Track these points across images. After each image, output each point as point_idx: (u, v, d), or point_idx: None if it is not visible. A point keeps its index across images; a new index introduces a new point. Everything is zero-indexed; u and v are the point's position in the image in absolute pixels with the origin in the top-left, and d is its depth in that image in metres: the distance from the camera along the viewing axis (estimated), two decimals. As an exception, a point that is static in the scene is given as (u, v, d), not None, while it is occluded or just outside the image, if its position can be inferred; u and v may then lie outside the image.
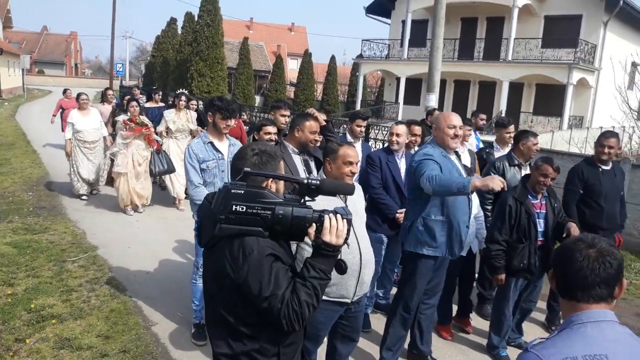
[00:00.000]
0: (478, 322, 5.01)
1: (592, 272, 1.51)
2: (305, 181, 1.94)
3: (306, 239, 1.98)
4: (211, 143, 4.25)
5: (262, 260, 1.88)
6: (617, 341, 1.47)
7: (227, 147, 4.33)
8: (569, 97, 21.90)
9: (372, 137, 11.02)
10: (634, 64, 18.64)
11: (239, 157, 2.13)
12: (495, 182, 3.31)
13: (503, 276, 4.18)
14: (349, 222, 1.95)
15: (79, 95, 8.88)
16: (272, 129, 4.63)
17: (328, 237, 1.90)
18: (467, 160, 5.50)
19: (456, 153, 5.51)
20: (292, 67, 49.89)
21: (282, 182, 2.10)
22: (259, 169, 2.03)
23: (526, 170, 4.83)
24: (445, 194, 3.55)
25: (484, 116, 7.00)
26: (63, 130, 12.37)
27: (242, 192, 1.85)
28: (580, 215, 4.85)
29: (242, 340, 1.99)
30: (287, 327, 1.89)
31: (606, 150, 4.76)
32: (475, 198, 4.60)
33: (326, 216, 1.91)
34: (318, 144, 4.26)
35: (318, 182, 1.95)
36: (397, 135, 4.67)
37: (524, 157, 4.85)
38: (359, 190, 3.42)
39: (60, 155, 12.49)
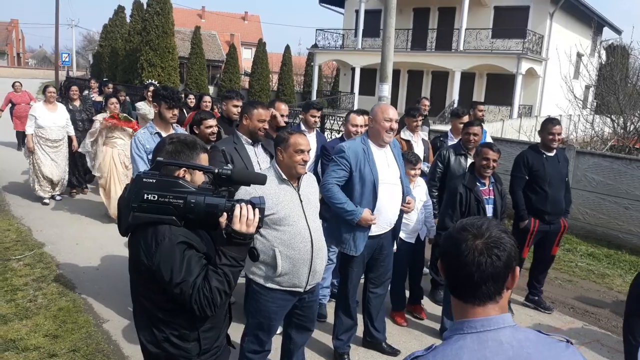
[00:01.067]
0: (432, 307, 5.11)
1: (477, 268, 1.27)
2: (216, 171, 1.98)
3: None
4: (158, 133, 4.17)
5: (174, 247, 1.93)
6: (499, 354, 1.23)
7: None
8: (518, 87, 22.52)
9: (328, 127, 11.02)
10: (578, 55, 19.32)
11: (157, 147, 2.17)
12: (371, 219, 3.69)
13: None
14: (262, 211, 2.00)
15: (45, 87, 8.22)
16: (212, 121, 4.60)
17: (238, 225, 1.94)
18: (420, 149, 5.60)
19: (408, 142, 5.63)
20: (246, 57, 49.33)
21: (198, 172, 2.11)
22: (172, 157, 2.05)
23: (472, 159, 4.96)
24: (335, 210, 3.74)
25: (482, 107, 7.02)
26: (15, 127, 11.92)
27: (154, 180, 1.89)
28: (526, 200, 5.01)
29: (160, 327, 2.05)
30: (198, 312, 1.95)
31: (551, 137, 4.93)
32: (422, 185, 4.71)
33: (237, 205, 1.94)
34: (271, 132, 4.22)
35: (229, 172, 1.99)
36: (357, 126, 4.66)
37: (467, 145, 4.99)
38: (312, 180, 3.42)
39: (2, 150, 12.00)
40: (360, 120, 4.66)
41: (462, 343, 1.27)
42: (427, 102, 7.42)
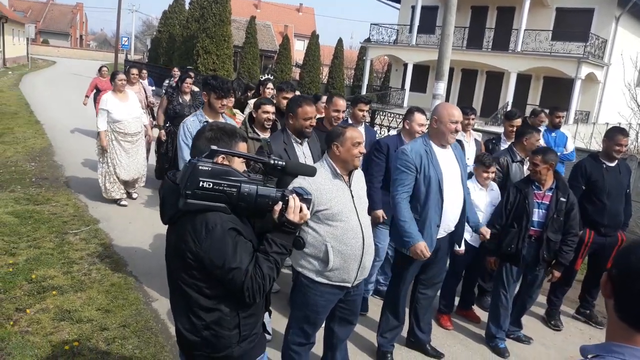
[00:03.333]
0: (478, 313, 5.02)
1: None
2: (272, 161, 2.02)
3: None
4: (207, 122, 4.23)
5: (225, 234, 1.95)
6: None
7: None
8: (576, 92, 21.77)
9: (378, 122, 10.95)
10: (643, 61, 18.46)
11: (198, 133, 2.19)
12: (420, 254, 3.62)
13: (493, 259, 4.40)
14: (308, 202, 2.08)
15: (114, 74, 7.18)
16: (270, 107, 4.61)
17: (292, 215, 2.01)
18: (472, 150, 5.49)
19: (460, 142, 5.52)
20: (298, 48, 49.59)
21: (237, 161, 2.12)
22: (211, 144, 2.05)
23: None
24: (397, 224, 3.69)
25: (561, 114, 6.74)
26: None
27: (209, 168, 1.90)
28: (582, 211, 4.82)
29: (201, 315, 2.05)
30: (249, 299, 2.00)
31: (617, 147, 4.74)
32: (496, 189, 4.63)
33: (291, 196, 2.01)
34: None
35: (283, 163, 2.04)
36: (423, 125, 4.58)
37: (526, 152, 4.82)
38: (361, 175, 3.42)
39: (62, 127, 12.50)
40: (424, 119, 4.61)
41: None
42: (562, 114, 6.75)
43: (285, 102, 5.19)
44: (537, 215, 4.22)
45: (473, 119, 5.73)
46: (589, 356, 1.22)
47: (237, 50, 29.95)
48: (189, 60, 22.89)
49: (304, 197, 2.07)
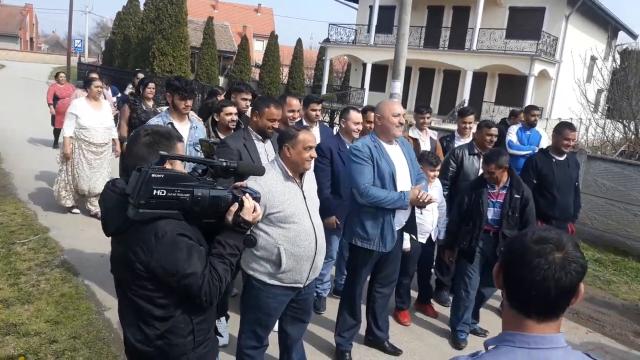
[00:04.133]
0: (436, 307, 5.07)
1: (556, 284, 1.20)
2: (225, 163, 2.02)
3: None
4: (171, 124, 4.14)
5: (176, 240, 1.91)
6: None
7: (188, 129, 4.22)
8: (530, 88, 22.35)
9: (337, 122, 10.96)
10: (592, 58, 19.11)
11: (132, 139, 2.12)
12: (425, 197, 3.62)
13: (448, 252, 4.54)
14: (258, 200, 2.11)
15: (90, 80, 6.81)
16: (232, 109, 4.56)
17: (248, 216, 2.03)
18: (427, 148, 5.56)
19: (416, 141, 5.58)
20: (257, 49, 49.31)
21: (178, 163, 2.09)
22: (150, 149, 2.01)
23: None
24: (380, 207, 3.65)
25: (536, 112, 6.87)
26: (54, 123, 10.47)
27: (162, 175, 1.85)
28: (534, 205, 4.95)
29: (154, 324, 2.00)
30: (206, 303, 1.97)
31: (566, 142, 4.86)
32: (439, 185, 4.65)
33: (244, 196, 2.04)
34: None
35: (236, 165, 2.05)
36: (358, 123, 4.63)
37: (482, 146, 4.90)
38: (312, 176, 3.40)
39: (11, 133, 12.04)
40: (360, 117, 4.66)
41: (512, 356, 1.22)
42: (537, 112, 6.92)
43: (243, 103, 5.13)
44: (492, 213, 4.28)
45: (428, 118, 5.79)
46: (489, 348, 1.28)
47: (195, 51, 29.55)
48: (144, 62, 22.44)
49: (255, 196, 2.08)
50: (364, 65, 26.96)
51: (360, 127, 4.61)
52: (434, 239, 4.78)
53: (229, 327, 4.11)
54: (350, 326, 3.98)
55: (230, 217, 2.02)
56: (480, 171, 4.91)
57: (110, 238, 2.07)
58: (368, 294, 4.14)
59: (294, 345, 3.54)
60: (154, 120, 4.23)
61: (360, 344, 4.22)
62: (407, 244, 4.24)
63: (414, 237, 4.19)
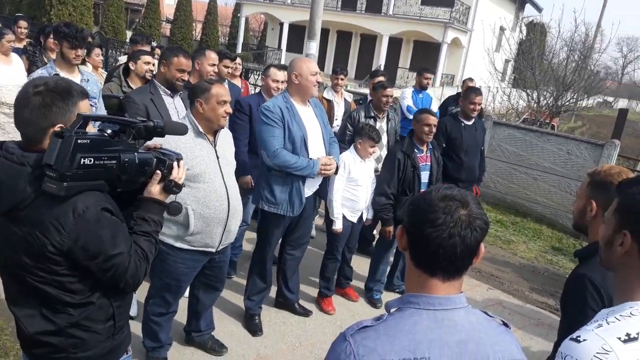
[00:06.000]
0: (362, 260, 5.07)
1: (463, 241, 1.19)
2: (152, 124, 1.79)
3: None
4: (58, 75, 3.75)
5: (99, 216, 1.65)
6: (453, 335, 1.19)
7: (79, 82, 3.84)
8: (442, 56, 22.98)
9: (252, 82, 10.68)
10: (501, 28, 19.87)
11: (20, 98, 1.69)
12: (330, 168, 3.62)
13: (391, 228, 4.26)
14: (179, 162, 1.93)
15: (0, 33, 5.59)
16: (151, 58, 4.30)
17: (178, 178, 1.87)
18: (341, 110, 5.48)
19: (330, 102, 5.49)
20: (168, 3, 46.68)
21: (89, 124, 1.78)
22: (42, 112, 1.64)
23: (382, 123, 4.88)
24: (288, 172, 3.53)
25: (429, 75, 6.88)
26: None
27: (88, 141, 1.57)
28: (442, 167, 5.06)
29: (67, 311, 1.73)
30: (132, 285, 1.77)
31: (472, 106, 4.97)
32: (373, 161, 4.45)
33: (174, 161, 1.86)
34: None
35: (163, 124, 1.82)
36: (279, 82, 4.40)
37: (378, 108, 4.87)
38: (229, 135, 3.22)
39: None
40: (281, 75, 4.41)
41: (417, 319, 1.20)
42: (430, 75, 6.90)
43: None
44: (424, 177, 4.29)
45: (342, 79, 5.71)
46: (392, 310, 1.26)
47: (100, 2, 27.52)
48: (40, 10, 20.53)
49: (179, 158, 1.90)
50: (281, 24, 26.47)
51: (280, 85, 4.37)
52: (364, 218, 4.37)
53: (137, 295, 3.88)
54: (260, 289, 3.90)
55: (153, 186, 1.83)
56: (381, 139, 4.91)
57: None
58: (279, 256, 4.08)
59: (203, 312, 3.46)
60: (37, 73, 3.80)
61: (270, 307, 4.17)
62: (339, 224, 4.11)
63: (346, 216, 4.14)
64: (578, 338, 1.15)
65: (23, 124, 1.67)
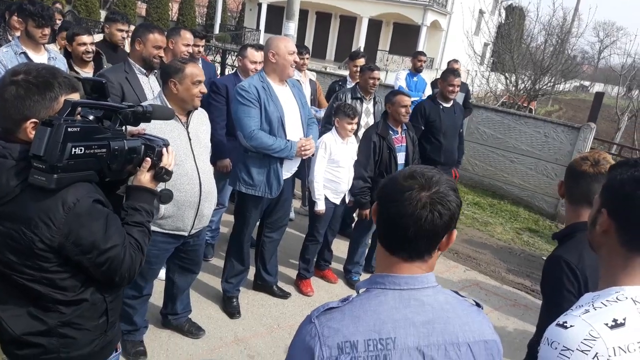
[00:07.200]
0: (342, 241, 5.09)
1: (416, 222, 1.15)
2: (141, 108, 1.72)
3: None
4: (24, 54, 3.63)
5: (91, 208, 1.57)
6: (419, 315, 1.18)
7: (46, 60, 3.72)
8: (422, 38, 22.96)
9: (229, 63, 10.51)
10: (481, 12, 19.91)
11: None
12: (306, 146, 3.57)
13: (368, 211, 4.23)
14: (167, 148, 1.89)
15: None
16: (87, 38, 4.16)
17: (169, 165, 1.83)
18: (307, 91, 5.38)
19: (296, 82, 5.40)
20: (146, -18, 45.80)
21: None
22: (14, 104, 1.52)
23: (369, 105, 4.90)
24: (266, 153, 3.49)
25: (424, 58, 6.87)
26: None
27: (78, 129, 1.48)
28: (421, 150, 5.04)
29: (58, 309, 1.65)
30: (127, 279, 1.70)
31: (450, 88, 4.96)
32: (355, 142, 4.39)
33: (163, 147, 1.82)
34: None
35: (152, 110, 1.75)
36: (256, 62, 4.29)
37: (365, 90, 4.86)
38: (204, 117, 3.14)
39: None
40: (259, 56, 4.32)
41: (383, 299, 1.18)
42: (424, 58, 6.99)
43: (119, 34, 4.66)
44: (400, 158, 4.28)
45: (307, 58, 5.63)
46: (360, 291, 1.25)
47: (73, -21, 26.73)
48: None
49: (166, 144, 1.85)
50: (259, 5, 26.15)
51: (258, 66, 4.26)
52: (347, 200, 4.32)
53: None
54: (237, 272, 3.87)
55: (143, 175, 1.77)
56: (367, 119, 4.89)
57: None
58: (257, 239, 4.04)
59: (179, 295, 3.43)
60: (2, 51, 3.67)
61: (248, 289, 4.14)
62: (321, 205, 4.07)
63: (329, 198, 4.11)
64: (565, 324, 1.13)
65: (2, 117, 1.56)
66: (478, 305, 1.29)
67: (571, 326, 1.12)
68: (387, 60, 23.89)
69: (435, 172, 1.20)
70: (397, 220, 1.17)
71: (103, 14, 27.43)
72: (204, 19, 34.02)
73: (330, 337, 1.14)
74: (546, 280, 1.83)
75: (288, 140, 3.48)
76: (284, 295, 4.17)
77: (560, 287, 1.72)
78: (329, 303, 1.21)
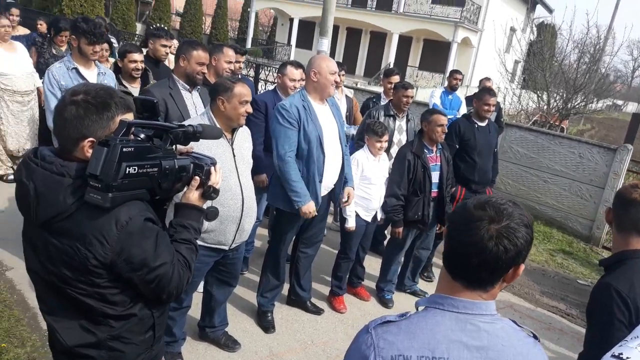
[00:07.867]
0: (374, 259, 5.09)
1: (480, 253, 1.16)
2: (192, 129, 1.76)
3: None
4: (76, 69, 3.76)
5: (143, 227, 1.61)
6: (474, 340, 1.18)
7: (96, 75, 3.85)
8: (452, 55, 22.88)
9: (262, 78, 10.66)
10: (512, 29, 19.80)
11: (58, 105, 1.64)
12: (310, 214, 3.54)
13: (401, 229, 4.25)
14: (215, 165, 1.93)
15: None
16: (138, 56, 4.26)
17: (217, 185, 1.85)
18: (344, 107, 5.44)
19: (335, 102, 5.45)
20: (179, -4, 46.79)
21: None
22: (73, 124, 1.57)
23: (401, 122, 4.91)
24: (284, 184, 3.53)
25: (459, 76, 6.93)
26: None
27: (133, 149, 1.53)
28: (455, 169, 5.03)
29: (109, 324, 1.69)
30: (175, 295, 1.73)
31: (486, 107, 4.95)
32: (387, 160, 4.43)
33: (210, 165, 1.84)
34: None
35: (202, 130, 1.79)
36: (295, 80, 4.35)
37: (398, 108, 4.89)
38: (247, 134, 3.22)
39: None
40: (298, 74, 4.39)
41: (440, 319, 1.20)
42: (460, 76, 6.99)
43: (162, 50, 4.79)
44: (434, 177, 4.28)
45: (343, 75, 5.68)
46: (419, 309, 1.27)
47: (111, -7, 27.51)
48: (52, 1, 20.59)
49: (214, 163, 1.88)
50: (291, 20, 26.42)
51: (297, 84, 4.32)
52: (379, 217, 4.34)
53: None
54: (273, 287, 3.91)
55: (192, 193, 1.81)
56: (400, 136, 4.90)
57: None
58: (292, 254, 4.08)
59: (217, 308, 3.48)
60: (55, 66, 3.81)
61: (282, 304, 4.18)
62: (351, 222, 4.08)
63: (360, 215, 4.13)
64: (620, 355, 1.14)
65: (57, 131, 1.63)
66: (535, 337, 1.29)
67: (627, 358, 1.12)
68: (416, 77, 23.88)
69: (508, 206, 1.20)
70: (461, 248, 1.19)
71: (139, 26, 28.19)
72: (236, 33, 34.57)
73: (385, 349, 1.17)
74: (594, 308, 1.82)
75: (307, 192, 3.51)
76: (317, 311, 4.19)
77: (611, 316, 1.71)
78: (387, 316, 1.25)
